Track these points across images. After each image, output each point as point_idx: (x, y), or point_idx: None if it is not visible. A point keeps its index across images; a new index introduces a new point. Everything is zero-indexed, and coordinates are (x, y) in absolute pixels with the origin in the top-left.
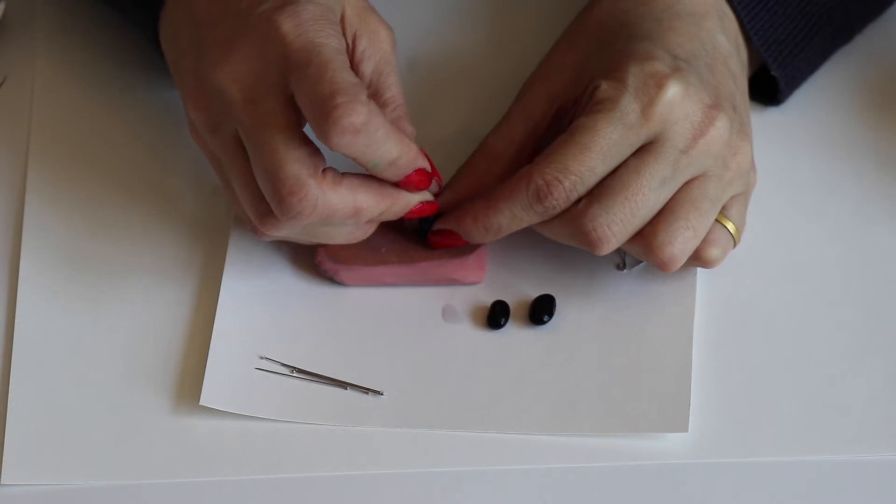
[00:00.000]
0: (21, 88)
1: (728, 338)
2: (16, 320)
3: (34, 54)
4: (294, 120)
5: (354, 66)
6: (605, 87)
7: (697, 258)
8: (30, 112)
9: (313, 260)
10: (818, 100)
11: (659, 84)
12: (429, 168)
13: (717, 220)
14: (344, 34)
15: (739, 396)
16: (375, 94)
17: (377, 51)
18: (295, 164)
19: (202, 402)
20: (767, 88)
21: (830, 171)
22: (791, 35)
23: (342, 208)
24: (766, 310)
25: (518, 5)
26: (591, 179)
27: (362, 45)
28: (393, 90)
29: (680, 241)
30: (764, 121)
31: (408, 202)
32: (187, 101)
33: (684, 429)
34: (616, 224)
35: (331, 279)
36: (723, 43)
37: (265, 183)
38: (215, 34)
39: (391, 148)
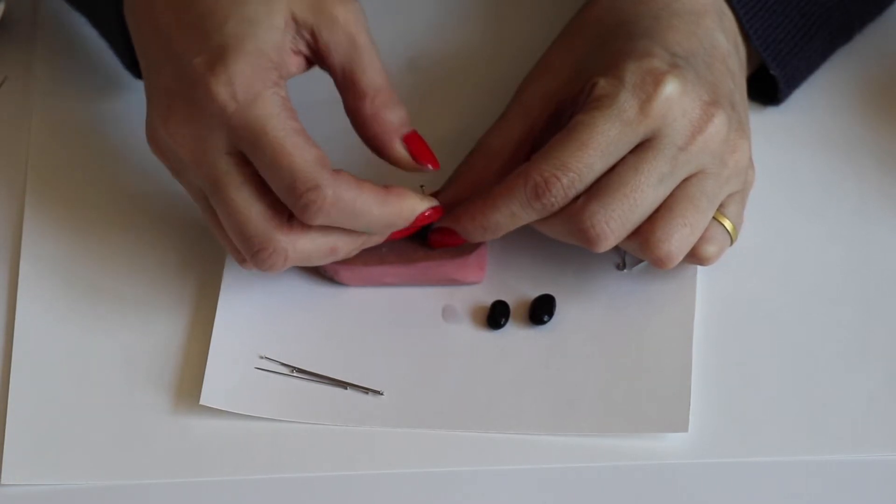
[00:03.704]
0: (21, 88)
1: (728, 338)
2: (16, 320)
3: (34, 54)
4: (248, 173)
5: (323, 61)
6: (602, 84)
7: (694, 255)
8: (30, 112)
9: None
10: (818, 100)
11: (657, 81)
12: (427, 207)
13: (714, 218)
14: (301, 34)
15: (739, 396)
16: (351, 84)
17: (341, 37)
18: (258, 220)
19: (202, 401)
20: (767, 88)
21: (830, 171)
22: (790, 34)
23: (316, 251)
24: (766, 309)
25: (518, 5)
26: (590, 176)
27: (324, 38)
28: (368, 75)
29: (677, 239)
30: (764, 121)
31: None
32: (148, 142)
33: (684, 429)
34: (614, 221)
35: (331, 279)
36: (721, 42)
37: (234, 238)
38: (158, 79)
39: (376, 213)
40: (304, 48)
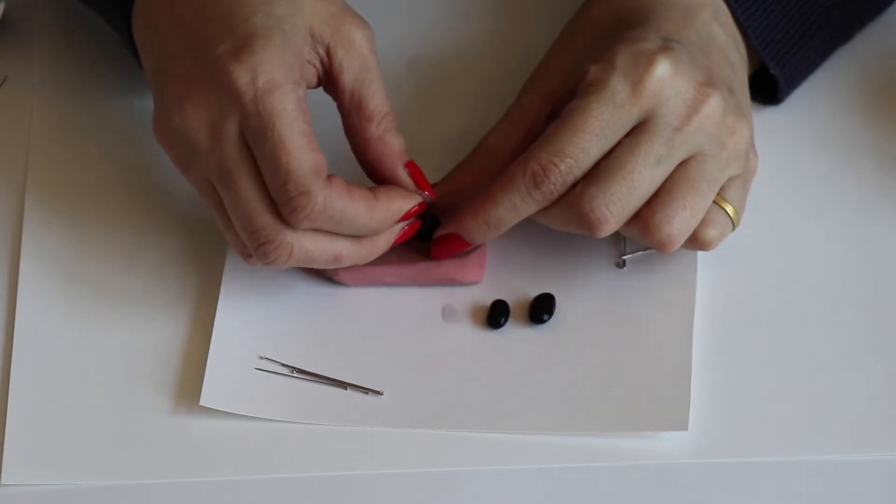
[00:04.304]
0: (21, 88)
1: (728, 337)
2: (16, 320)
3: (34, 54)
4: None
5: (334, 78)
6: (594, 70)
7: (695, 240)
8: (30, 112)
9: None
10: (818, 100)
11: (648, 62)
12: (413, 205)
13: (715, 202)
14: (316, 49)
15: (739, 396)
16: (359, 106)
17: (355, 59)
18: (267, 213)
19: (202, 402)
20: (767, 88)
21: (830, 171)
22: (789, 34)
23: (320, 254)
24: (766, 309)
25: (518, 5)
26: (587, 161)
27: (339, 57)
28: (376, 99)
29: (678, 221)
30: (764, 121)
31: (390, 238)
32: (155, 134)
33: (684, 427)
34: (614, 204)
35: (330, 279)
36: (719, 34)
37: (240, 229)
38: (175, 69)
39: (363, 220)
40: (316, 63)
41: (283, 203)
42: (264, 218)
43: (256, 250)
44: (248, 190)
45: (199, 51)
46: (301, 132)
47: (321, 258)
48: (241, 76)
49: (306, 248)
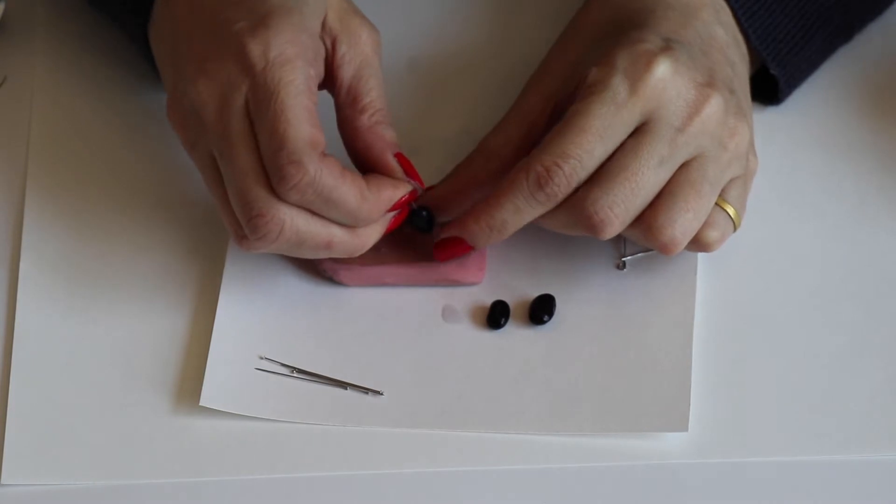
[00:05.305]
0: (21, 88)
1: (728, 337)
2: (16, 320)
3: (34, 54)
4: None
5: (334, 71)
6: (595, 72)
7: (696, 241)
8: (30, 112)
9: (313, 260)
10: (818, 100)
11: (648, 62)
12: (403, 193)
13: (716, 204)
14: (323, 39)
15: (739, 396)
16: (354, 100)
17: (357, 55)
18: (263, 186)
19: (202, 402)
20: (767, 88)
21: (830, 171)
22: (790, 33)
23: (311, 238)
24: (766, 310)
25: (518, 5)
26: (590, 163)
27: (342, 50)
28: (372, 94)
29: (680, 224)
30: (764, 121)
31: (381, 228)
32: (168, 116)
33: (684, 428)
34: (617, 206)
35: (330, 279)
36: (720, 33)
37: (235, 203)
38: (192, 49)
39: (352, 206)
40: (322, 52)
41: (273, 170)
42: (259, 191)
43: (248, 224)
44: (245, 162)
45: (218, 30)
46: (304, 106)
47: (312, 242)
48: (254, 49)
49: (298, 227)
